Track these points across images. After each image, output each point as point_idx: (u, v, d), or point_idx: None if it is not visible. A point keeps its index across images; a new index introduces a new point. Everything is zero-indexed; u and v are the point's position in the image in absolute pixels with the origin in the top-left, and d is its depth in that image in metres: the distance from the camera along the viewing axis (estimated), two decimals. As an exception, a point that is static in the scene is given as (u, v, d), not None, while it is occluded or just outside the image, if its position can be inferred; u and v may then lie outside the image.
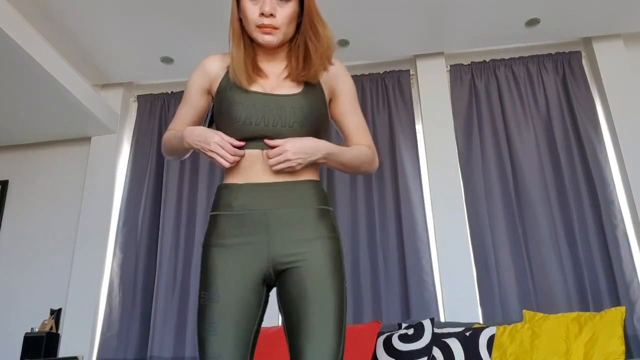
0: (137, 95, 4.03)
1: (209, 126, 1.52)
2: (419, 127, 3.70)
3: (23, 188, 3.90)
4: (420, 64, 3.80)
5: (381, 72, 3.83)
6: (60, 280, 3.57)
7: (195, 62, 3.68)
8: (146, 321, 3.39)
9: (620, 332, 2.43)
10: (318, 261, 1.32)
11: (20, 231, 3.77)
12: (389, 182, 3.49)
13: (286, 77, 1.44)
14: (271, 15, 1.37)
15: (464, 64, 3.76)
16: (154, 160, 3.75)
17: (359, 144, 1.52)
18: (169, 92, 3.98)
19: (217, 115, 1.45)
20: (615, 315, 2.49)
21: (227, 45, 1.49)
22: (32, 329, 3.34)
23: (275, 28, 1.39)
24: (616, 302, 3.02)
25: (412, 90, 3.76)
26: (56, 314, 3.44)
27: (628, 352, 2.72)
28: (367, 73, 3.85)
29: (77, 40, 3.48)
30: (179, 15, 3.25)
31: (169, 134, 1.55)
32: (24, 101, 3.35)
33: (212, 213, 1.41)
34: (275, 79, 1.45)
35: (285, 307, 1.33)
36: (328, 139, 1.46)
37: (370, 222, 3.41)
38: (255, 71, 1.44)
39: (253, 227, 1.34)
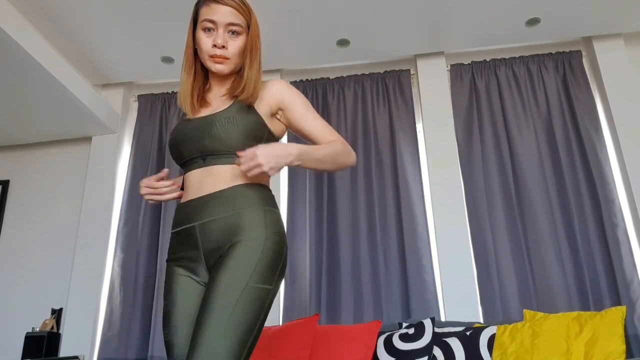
0: (138, 95, 4.03)
1: None
2: (419, 127, 3.70)
3: (24, 188, 3.90)
4: (421, 64, 3.80)
5: (381, 72, 3.83)
6: (61, 279, 3.58)
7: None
8: (147, 321, 3.40)
9: (621, 331, 2.43)
10: (230, 257, 1.34)
11: (21, 231, 3.77)
12: (389, 181, 3.49)
13: (223, 95, 1.57)
14: (223, 47, 1.51)
15: (465, 63, 3.76)
16: (155, 160, 3.76)
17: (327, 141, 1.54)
18: (170, 92, 3.98)
19: None
20: (615, 315, 2.49)
21: None
22: (33, 328, 3.34)
23: (226, 58, 1.53)
24: (616, 301, 3.03)
25: (413, 90, 3.77)
26: (57, 314, 3.44)
27: (628, 352, 2.73)
28: (367, 72, 3.85)
29: (77, 40, 3.48)
30: (180, 15, 3.25)
31: None
32: (24, 101, 3.35)
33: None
34: (216, 102, 1.57)
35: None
36: None
37: (370, 222, 3.41)
38: (201, 102, 1.58)
39: (189, 243, 1.45)
